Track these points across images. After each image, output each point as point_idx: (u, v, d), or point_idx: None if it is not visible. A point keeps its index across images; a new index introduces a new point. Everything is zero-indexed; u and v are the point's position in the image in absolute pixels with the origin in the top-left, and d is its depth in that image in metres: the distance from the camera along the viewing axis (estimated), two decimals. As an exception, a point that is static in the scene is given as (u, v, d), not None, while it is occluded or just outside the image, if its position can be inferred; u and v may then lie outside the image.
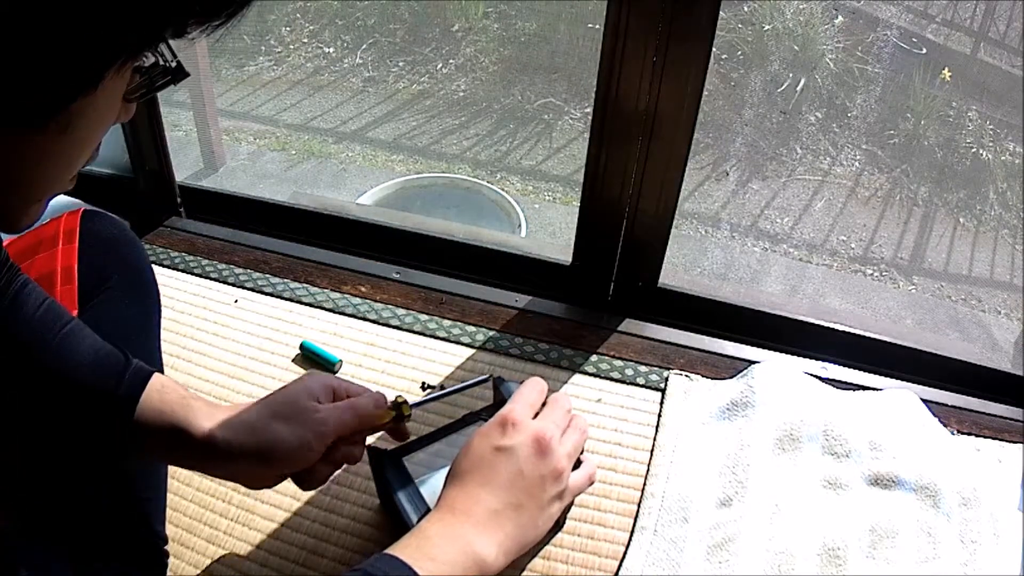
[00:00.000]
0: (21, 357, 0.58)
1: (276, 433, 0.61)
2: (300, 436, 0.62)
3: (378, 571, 0.54)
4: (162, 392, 0.62)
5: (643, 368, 1.05)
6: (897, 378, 1.06)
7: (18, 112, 0.39)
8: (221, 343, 1.06)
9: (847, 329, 1.10)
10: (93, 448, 0.61)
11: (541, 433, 0.67)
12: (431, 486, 0.76)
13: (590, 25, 3.57)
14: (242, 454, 0.61)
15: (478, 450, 0.66)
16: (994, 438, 0.98)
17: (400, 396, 0.72)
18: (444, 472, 0.69)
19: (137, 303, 0.79)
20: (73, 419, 0.59)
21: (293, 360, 1.04)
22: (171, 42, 0.44)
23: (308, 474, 0.66)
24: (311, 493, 0.87)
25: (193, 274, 1.17)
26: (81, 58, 0.39)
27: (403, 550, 0.57)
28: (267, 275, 1.18)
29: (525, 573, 0.81)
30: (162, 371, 0.80)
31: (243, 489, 0.87)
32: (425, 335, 1.08)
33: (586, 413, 0.98)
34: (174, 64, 0.47)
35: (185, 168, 2.99)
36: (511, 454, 0.65)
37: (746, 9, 3.45)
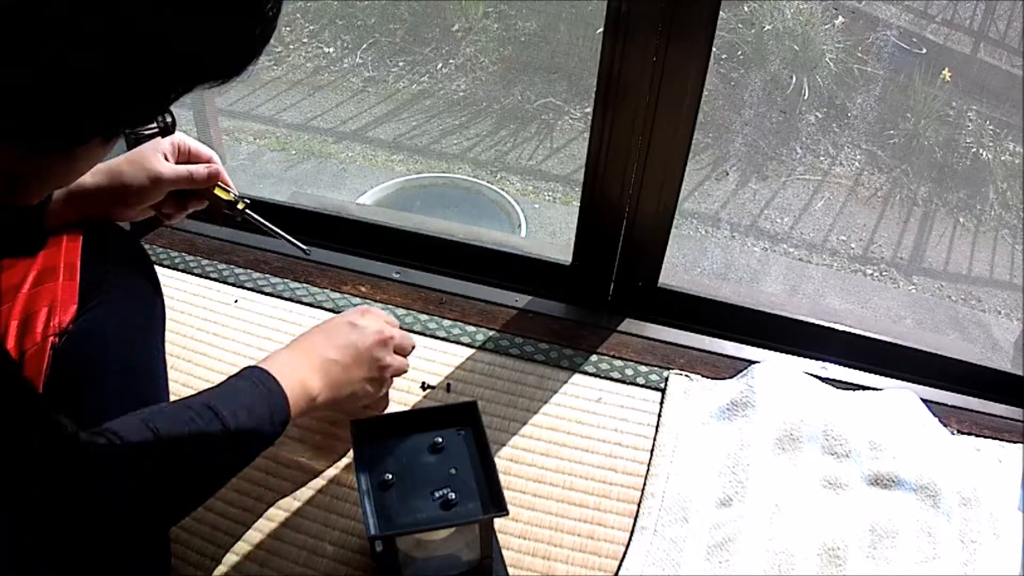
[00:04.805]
0: None
1: (124, 174, 0.80)
2: (141, 178, 0.81)
3: (249, 373, 0.73)
4: None
5: (643, 368, 1.05)
6: (897, 378, 1.06)
7: (47, 144, 0.50)
8: (221, 343, 1.06)
9: (847, 329, 1.10)
10: None
11: (384, 329, 0.85)
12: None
13: (590, 25, 3.57)
14: (99, 190, 0.80)
15: (336, 320, 0.85)
16: (994, 438, 0.98)
17: (243, 200, 0.87)
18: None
19: (139, 303, 0.79)
20: None
21: (293, 360, 1.04)
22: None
23: (157, 214, 0.86)
24: (311, 494, 0.88)
25: (193, 274, 1.17)
26: (109, 122, 0.50)
27: (262, 363, 0.75)
28: (267, 275, 1.18)
29: (525, 573, 0.81)
30: (165, 372, 0.80)
31: (243, 489, 0.87)
32: (425, 335, 1.08)
33: (586, 413, 0.98)
34: (169, 120, 0.64)
35: (185, 168, 2.99)
36: (358, 332, 0.83)
37: (746, 9, 3.45)
